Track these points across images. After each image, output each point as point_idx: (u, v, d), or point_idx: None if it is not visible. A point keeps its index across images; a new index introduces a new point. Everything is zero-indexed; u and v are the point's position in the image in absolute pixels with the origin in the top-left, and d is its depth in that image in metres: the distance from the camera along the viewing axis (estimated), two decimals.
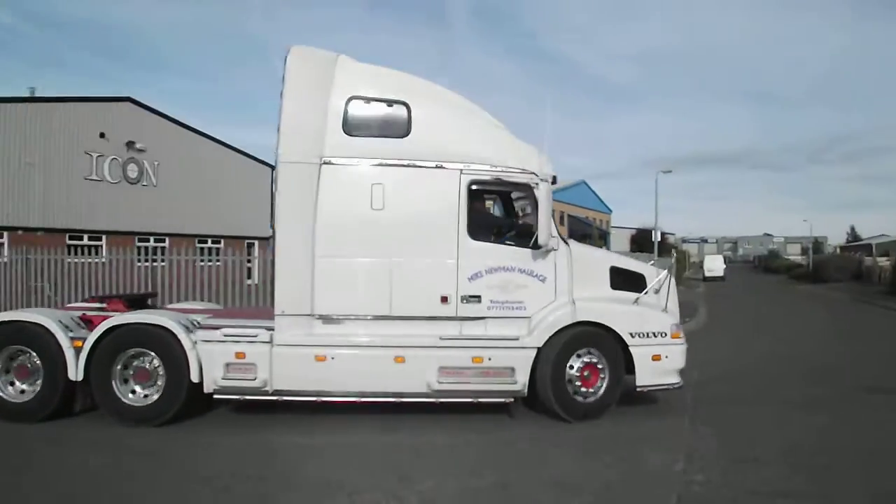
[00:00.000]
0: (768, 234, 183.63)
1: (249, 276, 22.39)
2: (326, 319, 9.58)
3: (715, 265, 68.56)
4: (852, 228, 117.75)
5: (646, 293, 10.43)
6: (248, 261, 24.36)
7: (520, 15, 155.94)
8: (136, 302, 11.22)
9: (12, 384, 9.55)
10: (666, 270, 10.94)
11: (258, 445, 8.74)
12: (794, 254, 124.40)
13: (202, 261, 20.91)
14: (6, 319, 9.70)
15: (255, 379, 9.38)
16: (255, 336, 9.49)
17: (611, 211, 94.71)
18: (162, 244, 33.65)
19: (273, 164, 9.80)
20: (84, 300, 12.05)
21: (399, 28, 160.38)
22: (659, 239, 37.38)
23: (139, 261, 20.16)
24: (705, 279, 63.18)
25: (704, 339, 17.82)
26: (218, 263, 20.46)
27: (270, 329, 9.50)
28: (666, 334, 10.20)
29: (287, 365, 9.44)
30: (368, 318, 9.66)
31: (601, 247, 64.97)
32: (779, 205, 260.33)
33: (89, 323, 9.85)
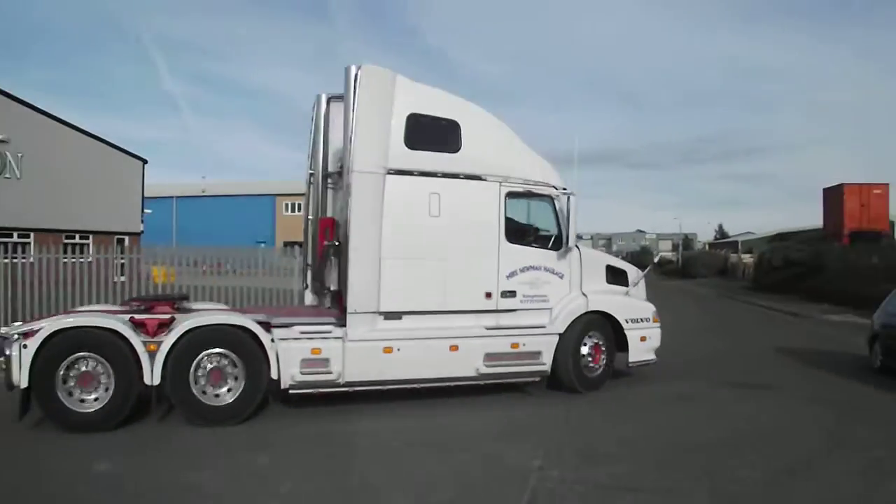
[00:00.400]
0: (641, 231, 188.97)
1: (120, 274, 21.69)
2: (388, 315, 10.56)
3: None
4: (720, 226, 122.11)
5: (632, 287, 13.16)
6: (118, 257, 23.59)
7: (401, 11, 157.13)
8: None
9: (74, 393, 9.04)
10: (648, 268, 14.04)
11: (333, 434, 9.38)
12: (665, 250, 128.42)
13: (66, 258, 20.14)
14: (71, 325, 9.11)
15: (330, 373, 10.14)
16: (330, 332, 10.23)
17: None
18: (26, 240, 32.23)
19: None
20: (123, 303, 11.42)
21: (280, 17, 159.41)
22: None
23: None
24: None
25: None
26: (84, 260, 19.74)
27: (339, 325, 10.29)
28: (649, 319, 12.88)
29: (359, 358, 10.29)
30: (425, 312, 10.84)
31: None
32: (652, 202, 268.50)
33: (142, 326, 9.50)
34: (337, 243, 10.96)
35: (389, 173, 10.51)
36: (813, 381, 13.22)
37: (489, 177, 11.32)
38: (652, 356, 12.85)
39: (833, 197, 43.62)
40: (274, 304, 17.41)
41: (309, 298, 12.65)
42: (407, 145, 10.65)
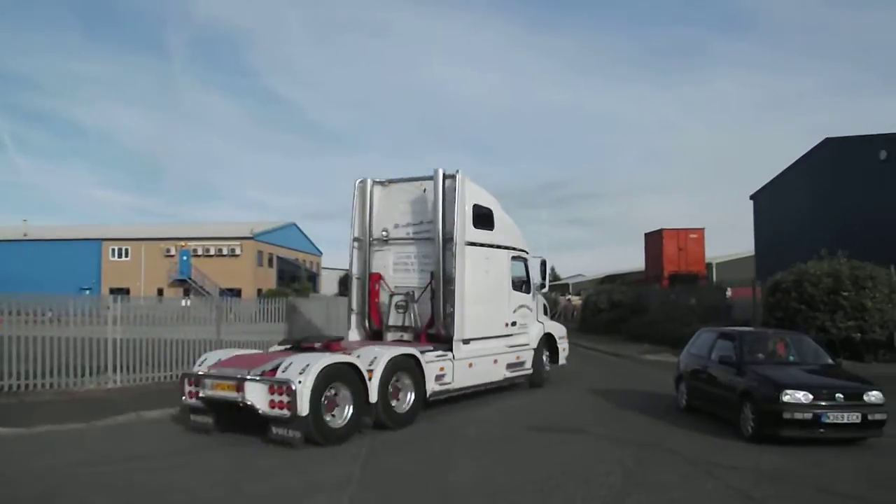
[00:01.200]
0: None
1: None
2: (465, 341, 15.07)
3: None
4: (553, 269, 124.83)
5: (552, 316, 21.88)
6: None
7: (241, 53, 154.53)
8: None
9: (327, 415, 11.46)
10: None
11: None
12: None
13: None
14: (329, 363, 11.56)
15: (449, 383, 14.55)
16: (446, 355, 14.52)
17: (321, 253, 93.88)
18: None
19: None
20: (283, 343, 14.37)
21: (115, 56, 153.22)
22: None
23: None
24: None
25: None
26: None
27: (446, 350, 14.58)
28: (565, 337, 20.09)
29: (460, 372, 14.85)
30: (479, 339, 15.62)
31: (310, 288, 65.11)
32: None
33: None
34: (414, 295, 15.48)
35: (467, 244, 15.15)
36: (622, 422, 13.62)
37: (505, 246, 16.89)
38: (565, 361, 20.02)
39: (653, 241, 45.74)
40: (86, 354, 16.54)
41: (354, 336, 16.30)
42: (473, 225, 15.41)
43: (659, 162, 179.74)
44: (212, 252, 71.47)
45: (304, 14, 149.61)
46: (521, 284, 17.76)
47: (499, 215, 16.49)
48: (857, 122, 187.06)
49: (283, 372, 11.22)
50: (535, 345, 17.98)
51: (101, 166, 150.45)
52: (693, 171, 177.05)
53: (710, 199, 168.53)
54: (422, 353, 13.64)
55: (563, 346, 19.73)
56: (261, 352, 13.99)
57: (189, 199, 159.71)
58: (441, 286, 14.84)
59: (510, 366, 16.88)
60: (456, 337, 14.74)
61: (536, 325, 18.39)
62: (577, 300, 54.33)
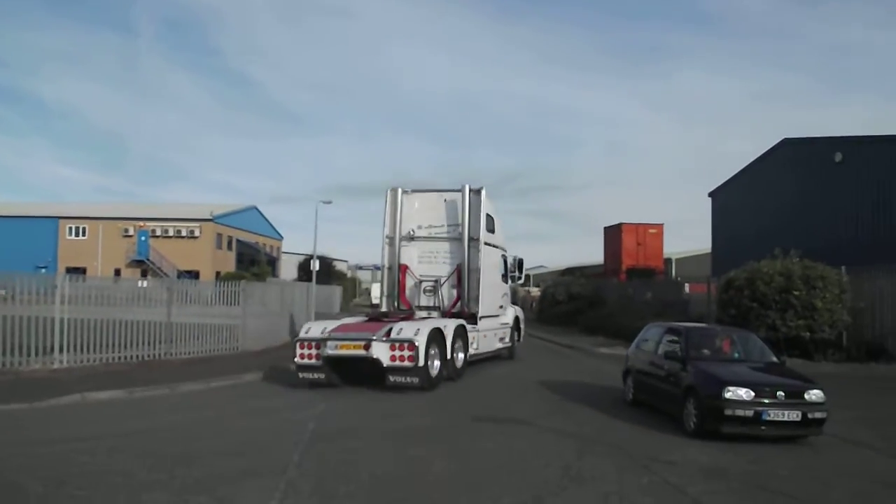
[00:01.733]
0: None
1: None
2: (480, 318, 19.61)
3: (380, 292, 69.81)
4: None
5: (515, 303, 25.93)
6: None
7: (207, 32, 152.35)
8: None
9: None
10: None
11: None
12: None
13: None
14: (432, 327, 15.94)
15: (477, 349, 19.32)
16: (475, 327, 19.21)
17: (282, 237, 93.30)
18: None
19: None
20: (369, 315, 19.00)
21: (79, 28, 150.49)
22: (317, 268, 37.93)
23: None
24: (372, 306, 64.39)
25: None
26: None
27: (472, 323, 19.12)
28: (524, 319, 25.38)
29: (482, 339, 19.77)
30: (485, 317, 20.04)
31: (268, 273, 64.82)
32: None
33: None
34: (441, 282, 19.84)
35: (484, 244, 19.83)
36: (568, 414, 13.64)
37: (498, 246, 21.78)
38: (522, 339, 25.12)
39: (612, 235, 46.05)
40: (32, 334, 16.33)
41: None
42: (486, 230, 19.96)
43: (621, 156, 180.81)
44: (170, 233, 70.75)
45: None
46: (503, 276, 22.53)
47: (497, 222, 21.46)
48: (819, 124, 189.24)
49: (399, 334, 15.26)
50: (511, 324, 23.21)
51: (64, 144, 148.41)
52: (655, 166, 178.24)
53: (671, 195, 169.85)
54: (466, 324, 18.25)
55: (522, 326, 25.01)
56: (358, 320, 17.75)
57: (152, 180, 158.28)
58: (467, 275, 19.41)
59: (500, 339, 21.94)
60: (480, 314, 19.46)
61: (511, 309, 23.67)
62: (535, 291, 54.43)
